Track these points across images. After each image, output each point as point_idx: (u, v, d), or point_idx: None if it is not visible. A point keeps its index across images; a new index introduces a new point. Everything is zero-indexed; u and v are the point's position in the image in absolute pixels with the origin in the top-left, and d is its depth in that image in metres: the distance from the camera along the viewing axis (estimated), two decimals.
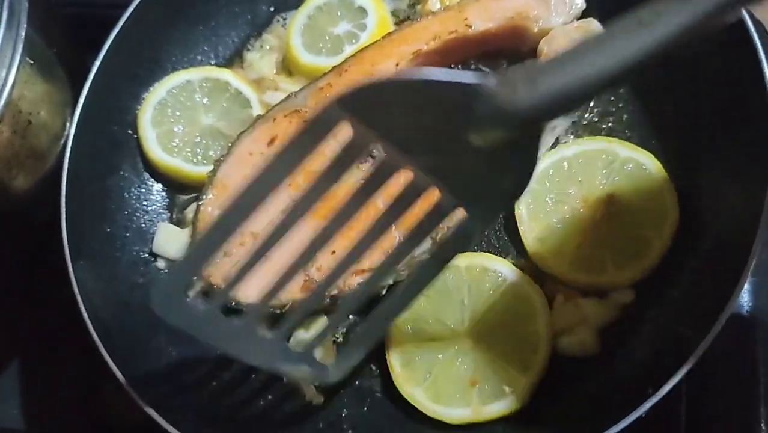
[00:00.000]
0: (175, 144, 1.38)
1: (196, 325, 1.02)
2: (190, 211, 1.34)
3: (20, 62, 1.12)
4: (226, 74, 1.44)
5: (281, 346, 1.07)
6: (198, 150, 1.38)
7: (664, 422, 1.14)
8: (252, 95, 1.42)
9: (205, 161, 1.37)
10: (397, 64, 1.31)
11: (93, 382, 1.37)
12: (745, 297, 1.23)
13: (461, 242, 0.96)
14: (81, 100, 1.29)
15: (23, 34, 1.13)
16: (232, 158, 1.31)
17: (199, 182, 1.33)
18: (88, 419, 1.37)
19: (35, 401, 1.43)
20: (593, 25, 1.28)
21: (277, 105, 1.34)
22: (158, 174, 1.40)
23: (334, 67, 1.35)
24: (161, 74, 1.43)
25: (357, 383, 1.23)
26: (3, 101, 1.10)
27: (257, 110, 1.40)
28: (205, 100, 1.41)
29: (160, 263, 1.33)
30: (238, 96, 1.42)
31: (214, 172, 1.30)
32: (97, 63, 1.32)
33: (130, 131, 1.38)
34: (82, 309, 1.17)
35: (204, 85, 1.42)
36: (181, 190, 1.40)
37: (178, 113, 1.40)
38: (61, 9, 1.42)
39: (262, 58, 1.50)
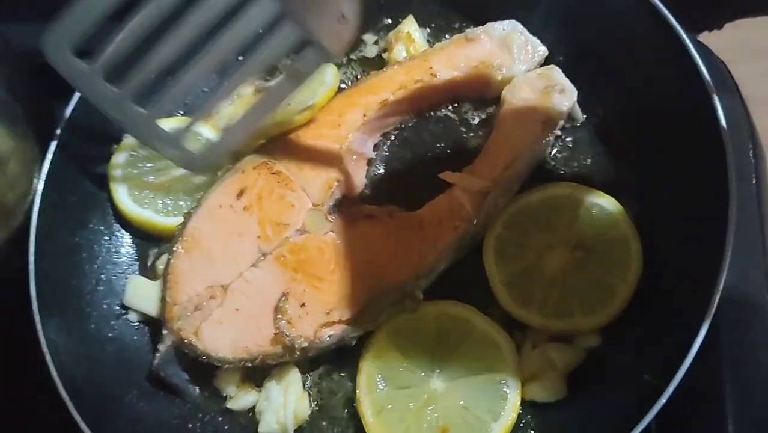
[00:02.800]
0: (144, 195, 1.38)
1: (82, 84, 1.17)
2: (160, 264, 1.34)
3: None
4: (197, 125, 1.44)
5: (153, 124, 1.20)
6: (168, 201, 1.38)
7: None
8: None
9: (175, 212, 1.36)
10: (364, 115, 1.33)
11: None
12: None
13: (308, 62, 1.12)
14: (49, 156, 1.29)
15: None
16: (201, 211, 1.31)
17: (169, 233, 1.33)
18: None
19: None
20: (555, 72, 1.31)
21: (246, 156, 1.35)
22: (129, 226, 1.39)
23: None
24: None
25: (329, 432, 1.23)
26: None
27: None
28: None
29: (132, 316, 1.32)
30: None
31: (184, 225, 1.30)
32: (66, 117, 1.31)
33: (99, 184, 1.38)
34: (51, 368, 1.16)
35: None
36: (152, 241, 1.39)
37: (148, 164, 1.39)
38: (28, 59, 1.41)
39: (232, 106, 1.49)
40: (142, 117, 1.19)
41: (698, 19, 1.57)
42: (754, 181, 1.36)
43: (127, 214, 1.37)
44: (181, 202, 1.38)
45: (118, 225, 1.40)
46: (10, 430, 1.42)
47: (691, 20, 1.48)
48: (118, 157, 1.39)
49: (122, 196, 1.37)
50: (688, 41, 1.20)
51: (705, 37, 1.55)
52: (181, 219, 1.32)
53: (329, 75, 1.39)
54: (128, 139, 1.40)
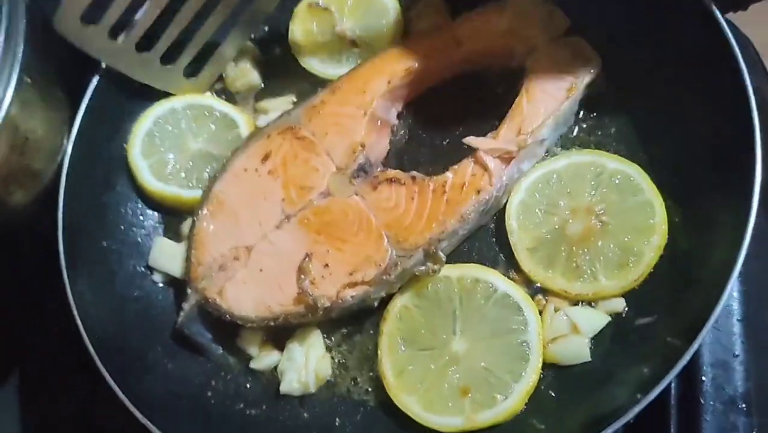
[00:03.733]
0: (168, 171, 1.38)
1: (87, 43, 1.31)
2: (185, 227, 1.36)
3: (18, 80, 1.13)
4: (207, 99, 1.45)
5: (154, 65, 1.37)
6: (192, 175, 1.39)
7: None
8: (237, 116, 1.43)
9: (199, 185, 1.37)
10: (389, 82, 1.34)
11: (90, 395, 1.38)
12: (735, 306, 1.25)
13: None
14: (78, 118, 1.31)
15: (20, 52, 1.15)
16: (227, 174, 1.33)
17: (194, 206, 1.34)
18: (85, 429, 1.38)
19: (33, 414, 1.44)
20: (579, 41, 1.31)
21: (271, 122, 1.37)
22: (154, 202, 1.40)
23: (328, 85, 1.37)
24: (156, 93, 1.45)
25: (351, 393, 1.24)
26: (0, 119, 1.11)
27: (244, 129, 1.41)
28: (192, 126, 1.42)
29: (156, 277, 1.34)
30: (224, 118, 1.43)
31: (209, 188, 1.32)
32: (95, 81, 1.34)
33: (126, 148, 1.40)
34: (79, 324, 1.19)
35: (188, 112, 1.42)
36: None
37: (167, 141, 1.40)
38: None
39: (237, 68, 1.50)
40: (147, 60, 1.36)
41: None
42: None
43: (152, 192, 1.38)
44: (204, 175, 1.39)
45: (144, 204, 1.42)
46: (39, 385, 1.45)
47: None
48: (136, 138, 1.40)
49: (145, 174, 1.38)
50: (718, 13, 1.20)
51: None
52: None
53: None
54: (143, 119, 1.41)
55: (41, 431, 1.45)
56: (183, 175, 1.39)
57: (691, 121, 1.24)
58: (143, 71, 1.38)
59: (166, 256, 1.34)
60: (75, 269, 1.23)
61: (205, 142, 1.41)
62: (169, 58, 1.38)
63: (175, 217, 1.41)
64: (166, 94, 1.43)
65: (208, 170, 1.39)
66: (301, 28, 1.49)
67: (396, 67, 1.35)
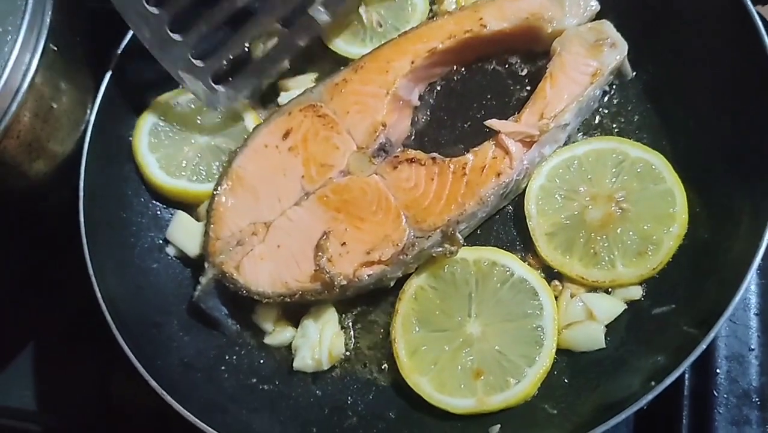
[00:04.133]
0: (175, 165, 1.37)
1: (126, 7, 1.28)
2: (203, 208, 1.36)
3: (44, 48, 1.14)
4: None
5: (185, 55, 1.31)
6: (201, 169, 1.38)
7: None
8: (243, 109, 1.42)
9: (209, 179, 1.36)
10: (412, 62, 1.33)
11: (105, 366, 1.40)
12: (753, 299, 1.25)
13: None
14: (102, 88, 1.32)
15: (48, 21, 1.15)
16: (247, 150, 1.33)
17: (205, 200, 1.33)
18: (98, 402, 1.40)
19: (48, 384, 1.47)
20: (606, 26, 1.30)
21: (293, 99, 1.37)
22: (164, 198, 1.39)
23: (350, 64, 1.37)
24: None
25: (363, 372, 1.24)
26: (26, 85, 1.12)
27: (250, 123, 1.40)
28: (197, 120, 1.40)
29: (170, 250, 1.35)
30: (229, 111, 1.40)
31: (229, 163, 1.33)
32: (119, 52, 1.35)
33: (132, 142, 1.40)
34: (98, 293, 1.20)
35: (192, 105, 1.41)
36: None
37: (173, 136, 1.39)
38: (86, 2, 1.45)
39: None
40: (176, 44, 1.30)
41: None
42: None
43: (160, 186, 1.37)
44: (214, 169, 1.38)
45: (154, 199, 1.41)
46: (55, 355, 1.47)
47: None
48: (141, 133, 1.39)
49: (153, 169, 1.37)
50: (749, 3, 1.18)
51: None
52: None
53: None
54: (146, 115, 1.40)
55: (57, 399, 1.47)
56: (192, 168, 1.38)
57: (716, 112, 1.23)
58: (169, 56, 1.32)
59: (184, 231, 1.34)
60: (95, 240, 1.25)
61: (212, 137, 1.40)
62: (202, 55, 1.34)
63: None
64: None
65: (217, 165, 1.38)
66: None
67: (420, 48, 1.34)
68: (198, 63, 1.33)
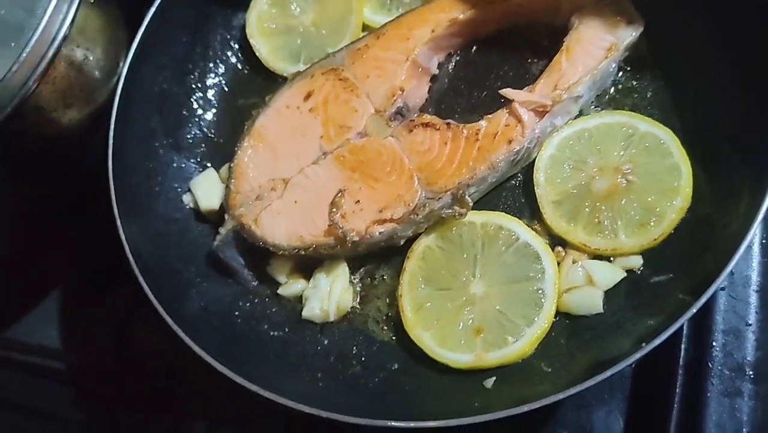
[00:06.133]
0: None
1: None
2: (225, 170, 1.42)
3: (81, 0, 1.20)
4: None
5: None
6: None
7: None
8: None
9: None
10: (432, 30, 1.37)
11: (126, 310, 1.47)
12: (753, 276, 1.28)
13: None
14: (136, 42, 1.38)
15: None
16: (269, 110, 1.39)
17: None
18: (118, 344, 1.47)
19: (71, 324, 1.54)
20: (624, 2, 1.32)
21: (316, 62, 1.42)
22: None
23: (372, 31, 1.41)
24: (213, 24, 1.52)
25: (369, 325, 1.30)
26: (62, 35, 1.18)
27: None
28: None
29: (186, 198, 1.42)
30: None
31: (252, 121, 1.38)
32: (154, 8, 1.40)
33: (178, 76, 1.47)
34: (123, 238, 1.26)
35: None
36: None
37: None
38: None
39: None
40: None
41: None
42: None
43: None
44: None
45: (194, 118, 1.49)
46: (80, 298, 1.54)
47: None
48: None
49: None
50: None
51: None
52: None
53: None
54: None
55: (79, 339, 1.54)
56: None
57: (728, 92, 1.25)
58: None
59: (207, 186, 1.41)
60: (122, 188, 1.31)
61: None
62: None
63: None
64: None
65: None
66: None
67: (441, 17, 1.38)
68: None
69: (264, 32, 1.53)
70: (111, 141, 1.32)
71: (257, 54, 1.51)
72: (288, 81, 1.42)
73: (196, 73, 1.51)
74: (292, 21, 1.54)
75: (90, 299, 1.54)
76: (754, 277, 1.28)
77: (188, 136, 1.48)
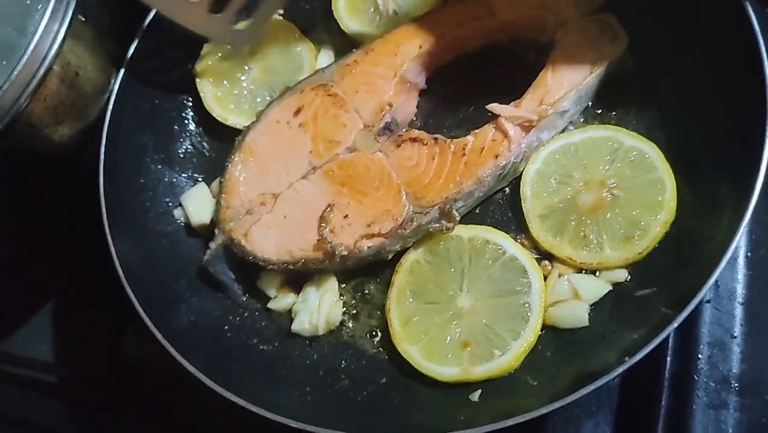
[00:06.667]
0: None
1: None
2: (216, 185, 1.43)
3: (72, 18, 1.21)
4: (283, 26, 1.54)
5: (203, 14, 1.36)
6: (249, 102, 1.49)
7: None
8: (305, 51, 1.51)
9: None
10: (420, 46, 1.39)
11: (118, 324, 1.48)
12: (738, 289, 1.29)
13: None
14: (127, 59, 1.39)
15: None
16: (260, 125, 1.40)
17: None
18: (110, 357, 1.48)
19: (64, 338, 1.55)
20: (609, 18, 1.34)
21: (306, 78, 1.43)
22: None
23: (362, 46, 1.43)
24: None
25: (358, 339, 1.31)
26: (53, 53, 1.19)
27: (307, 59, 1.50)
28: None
29: (177, 212, 1.43)
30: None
31: (242, 136, 1.40)
32: (146, 25, 1.42)
33: (171, 90, 1.48)
34: (113, 252, 1.27)
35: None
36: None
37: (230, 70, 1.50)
38: None
39: None
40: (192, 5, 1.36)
41: None
42: None
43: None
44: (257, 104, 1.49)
45: (185, 133, 1.50)
46: (72, 311, 1.55)
47: None
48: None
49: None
50: (746, 3, 1.22)
51: None
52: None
53: None
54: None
55: (72, 353, 1.55)
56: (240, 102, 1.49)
57: (711, 107, 1.26)
58: (190, 18, 1.37)
59: (197, 200, 1.42)
60: (113, 203, 1.32)
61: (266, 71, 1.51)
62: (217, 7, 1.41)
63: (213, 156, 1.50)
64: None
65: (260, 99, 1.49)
66: None
67: (429, 33, 1.39)
68: (215, 16, 1.38)
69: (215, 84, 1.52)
70: (102, 157, 1.33)
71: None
72: (278, 96, 1.43)
73: (187, 88, 1.52)
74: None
75: (81, 313, 1.55)
76: (739, 289, 1.29)
77: (180, 151, 1.49)
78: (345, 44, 1.52)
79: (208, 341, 1.30)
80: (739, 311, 1.27)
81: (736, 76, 1.23)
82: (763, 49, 1.17)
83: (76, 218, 1.49)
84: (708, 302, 1.27)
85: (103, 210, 1.30)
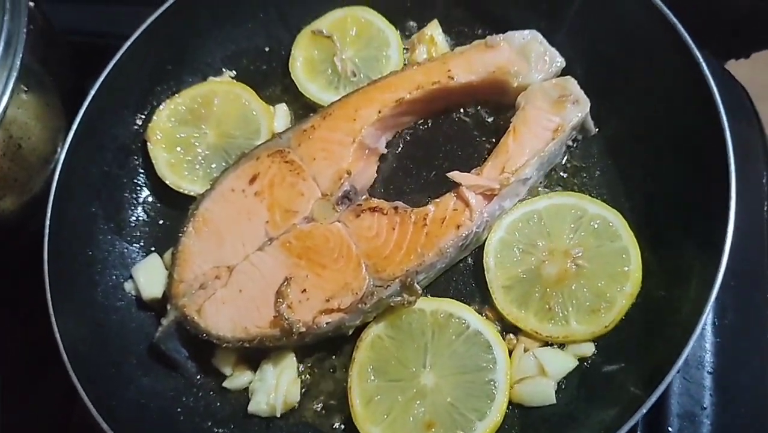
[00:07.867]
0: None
1: None
2: (169, 256, 1.37)
3: (13, 90, 1.16)
4: (238, 88, 1.50)
5: None
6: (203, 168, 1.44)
7: None
8: (257, 106, 1.47)
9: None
10: (379, 111, 1.35)
11: (67, 401, 1.40)
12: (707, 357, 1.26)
13: None
14: (74, 126, 1.33)
15: (18, 63, 1.18)
16: (214, 193, 1.35)
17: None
18: None
19: (10, 417, 1.46)
20: (570, 83, 1.32)
21: (262, 144, 1.39)
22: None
23: (320, 110, 1.39)
24: (154, 103, 1.48)
25: (318, 419, 1.25)
26: None
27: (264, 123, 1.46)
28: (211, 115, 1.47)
29: (128, 285, 1.36)
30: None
31: (196, 205, 1.34)
32: (93, 91, 1.36)
33: (120, 159, 1.43)
34: (55, 331, 1.20)
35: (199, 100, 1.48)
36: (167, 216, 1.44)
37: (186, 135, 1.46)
38: (65, 36, 1.48)
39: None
40: None
41: (724, 46, 1.58)
42: (765, 208, 1.37)
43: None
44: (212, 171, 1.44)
45: (137, 200, 1.44)
46: (18, 390, 1.47)
47: (718, 47, 1.49)
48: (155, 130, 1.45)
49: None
50: (705, 67, 1.21)
51: (735, 68, 1.55)
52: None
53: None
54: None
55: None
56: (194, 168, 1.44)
57: (672, 172, 1.25)
58: None
59: (149, 272, 1.35)
60: (57, 276, 1.25)
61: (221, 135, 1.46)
62: None
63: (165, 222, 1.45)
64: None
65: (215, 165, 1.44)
66: (302, 54, 1.51)
67: (387, 97, 1.37)
68: None
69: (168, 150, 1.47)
70: (47, 231, 1.27)
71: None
72: (234, 162, 1.38)
73: (139, 153, 1.46)
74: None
75: (29, 390, 1.47)
76: (708, 358, 1.26)
77: (131, 220, 1.43)
78: (303, 105, 1.49)
79: (158, 424, 1.23)
80: (708, 380, 1.24)
81: (698, 141, 1.22)
82: (723, 116, 1.16)
83: (20, 290, 1.42)
84: (677, 372, 1.24)
85: (47, 284, 1.24)
